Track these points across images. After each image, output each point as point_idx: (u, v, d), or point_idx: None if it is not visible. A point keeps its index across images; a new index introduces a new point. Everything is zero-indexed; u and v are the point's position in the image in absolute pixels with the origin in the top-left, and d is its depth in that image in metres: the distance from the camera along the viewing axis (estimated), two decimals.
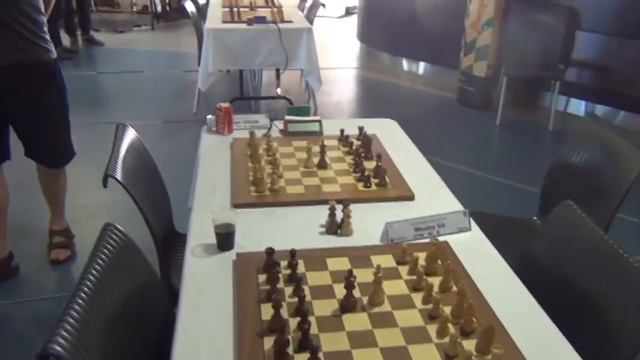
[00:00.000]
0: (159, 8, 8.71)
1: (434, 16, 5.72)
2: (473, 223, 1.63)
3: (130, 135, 1.94)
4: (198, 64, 4.49)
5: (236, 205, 1.69)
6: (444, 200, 1.79)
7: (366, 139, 2.06)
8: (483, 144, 4.62)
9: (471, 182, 3.78)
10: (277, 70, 4.78)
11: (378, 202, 1.75)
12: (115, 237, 1.30)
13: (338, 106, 5.22)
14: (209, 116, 2.29)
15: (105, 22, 8.61)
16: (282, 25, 4.29)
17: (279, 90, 4.95)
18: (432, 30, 5.75)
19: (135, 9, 9.44)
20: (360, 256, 1.46)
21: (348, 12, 9.43)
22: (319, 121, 2.27)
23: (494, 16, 4.87)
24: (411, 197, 1.77)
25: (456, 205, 1.75)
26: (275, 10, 4.72)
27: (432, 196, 1.81)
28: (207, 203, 1.73)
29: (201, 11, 5.24)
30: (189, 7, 4.84)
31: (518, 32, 4.76)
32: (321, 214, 1.60)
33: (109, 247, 1.27)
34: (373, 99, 5.66)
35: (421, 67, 6.16)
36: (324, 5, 5.00)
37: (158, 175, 2.02)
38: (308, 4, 5.47)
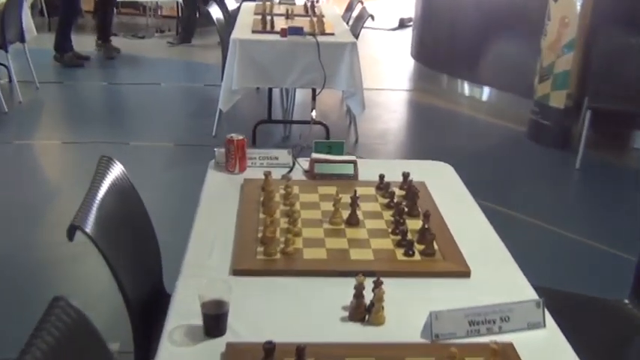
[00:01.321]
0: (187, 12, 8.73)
1: (504, 33, 5.53)
2: (547, 316, 1.40)
3: (115, 172, 1.78)
4: (222, 80, 4.41)
5: (236, 272, 1.52)
6: (509, 279, 1.57)
7: (411, 191, 1.85)
8: (559, 191, 4.35)
9: (543, 240, 3.52)
10: (313, 91, 4.65)
11: (421, 277, 1.55)
12: (65, 316, 1.13)
13: (383, 136, 5.06)
14: (217, 149, 2.13)
15: (125, 26, 8.70)
16: (321, 38, 4.19)
17: (314, 114, 4.79)
18: (501, 49, 5.56)
19: (160, 13, 9.55)
20: (393, 357, 1.24)
21: (402, 24, 9.29)
22: (354, 162, 2.08)
23: (577, 37, 4.63)
24: (466, 274, 1.56)
25: (525, 288, 1.52)
26: (315, 19, 4.61)
27: (494, 272, 1.59)
28: (200, 266, 1.56)
29: (231, 18, 5.17)
30: (215, 14, 4.78)
31: (608, 57, 4.53)
32: (346, 290, 1.40)
33: (55, 328, 1.10)
34: (426, 128, 5.48)
35: (485, 92, 5.96)
36: (372, 17, 4.87)
37: (147, 222, 1.86)
38: (354, 14, 5.35)
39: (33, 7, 7.51)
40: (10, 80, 5.35)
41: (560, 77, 4.74)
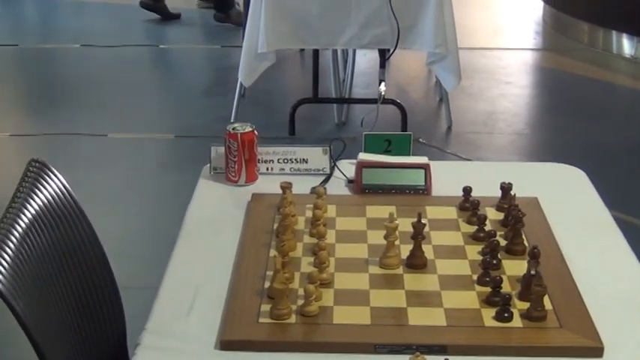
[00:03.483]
0: None
1: None
2: None
3: (52, 187, 1.78)
4: (242, 39, 4.48)
5: (225, 344, 1.49)
6: None
7: (512, 213, 1.78)
8: None
9: None
10: (382, 54, 4.63)
11: (521, 356, 1.49)
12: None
13: (490, 122, 5.03)
14: (214, 147, 2.11)
15: None
16: None
17: (383, 88, 4.77)
18: None
19: None
20: None
21: None
22: (425, 167, 2.03)
23: None
24: (595, 351, 1.49)
25: None
26: None
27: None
28: (171, 334, 1.54)
29: None
30: None
31: None
32: None
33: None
34: (560, 110, 5.38)
35: None
36: None
37: (105, 269, 1.87)
38: None
39: None
40: None
41: None
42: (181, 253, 1.82)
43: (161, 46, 6.30)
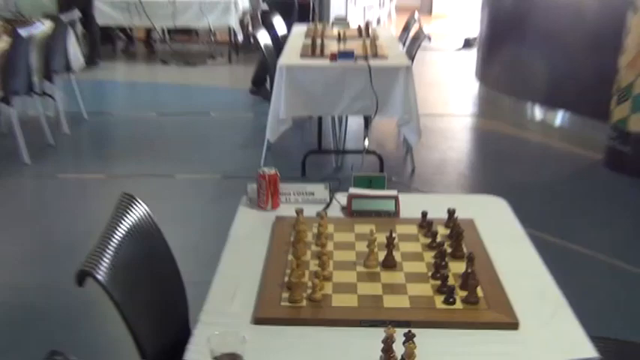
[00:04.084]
0: (239, 37, 8.89)
1: (576, 51, 5.39)
2: None
3: (138, 212, 1.77)
4: (269, 108, 4.44)
5: (258, 320, 1.48)
6: (564, 330, 1.46)
7: (455, 229, 1.77)
8: (638, 226, 4.13)
9: (616, 281, 3.33)
10: (366, 119, 4.64)
11: (462, 329, 1.46)
12: None
13: (441, 166, 4.98)
14: (250, 184, 2.11)
15: (177, 53, 8.91)
16: (373, 62, 4.17)
17: (367, 143, 4.78)
18: (573, 69, 5.42)
19: (214, 39, 9.75)
20: None
21: (468, 44, 9.21)
22: (395, 198, 2.02)
23: None
24: (513, 325, 1.47)
25: (583, 342, 1.41)
26: (368, 42, 4.59)
27: (547, 323, 1.49)
28: (221, 313, 1.53)
29: (280, 43, 5.23)
30: (263, 39, 4.82)
31: None
32: (377, 343, 1.33)
33: None
34: (490, 158, 5.37)
35: (558, 116, 5.80)
36: (429, 38, 4.82)
37: (171, 267, 1.83)
38: (411, 34, 5.31)
39: (84, 36, 7.78)
40: (57, 112, 5.50)
41: None
42: (227, 257, 1.79)
43: (212, 114, 6.28)
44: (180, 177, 4.62)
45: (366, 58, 4.22)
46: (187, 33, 9.67)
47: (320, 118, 4.72)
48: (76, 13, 5.95)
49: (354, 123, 5.36)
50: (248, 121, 6.06)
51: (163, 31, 9.27)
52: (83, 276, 1.43)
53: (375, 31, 5.23)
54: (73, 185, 4.71)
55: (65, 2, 7.79)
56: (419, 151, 4.83)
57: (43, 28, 5.13)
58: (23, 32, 4.63)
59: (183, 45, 9.55)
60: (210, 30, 9.41)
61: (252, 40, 9.01)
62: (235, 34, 8.76)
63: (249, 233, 1.94)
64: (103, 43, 8.85)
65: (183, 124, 6.04)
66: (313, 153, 4.61)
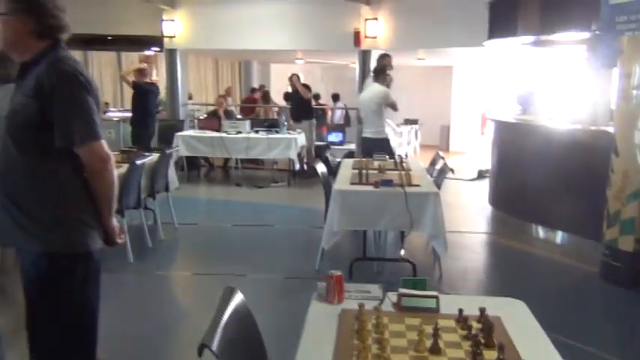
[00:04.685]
0: (296, 167, 9.24)
1: (573, 182, 5.46)
2: None
3: (237, 300, 1.87)
4: (324, 222, 4.55)
5: None
6: None
7: (486, 324, 1.82)
8: (631, 329, 4.03)
9: None
10: (402, 233, 4.71)
11: None
12: None
13: (464, 274, 4.95)
14: (319, 283, 2.20)
15: (247, 178, 9.28)
16: (408, 189, 4.28)
17: (402, 252, 4.82)
18: (571, 197, 5.46)
19: (276, 167, 10.16)
20: None
21: (481, 175, 9.36)
22: (436, 297, 2.08)
23: None
24: None
25: None
26: (403, 173, 4.76)
27: None
28: None
29: (333, 171, 5.43)
30: (320, 169, 5.04)
31: None
32: None
33: None
34: (503, 268, 5.33)
35: (559, 236, 5.77)
36: (452, 171, 4.97)
37: (262, 346, 1.90)
38: (437, 167, 5.47)
39: (176, 163, 8.17)
40: (155, 222, 5.75)
41: (627, 224, 4.56)
42: (305, 342, 1.83)
43: (275, 226, 6.41)
44: (251, 276, 4.68)
45: (402, 185, 4.35)
46: (255, 162, 10.09)
47: (365, 231, 4.78)
48: (175, 147, 6.31)
49: (392, 234, 5.41)
50: (304, 233, 6.14)
51: (237, 160, 9.71)
52: (202, 348, 1.52)
53: (407, 164, 5.41)
54: (167, 280, 4.83)
55: (164, 139, 8.37)
56: (445, 260, 4.82)
57: (152, 157, 5.47)
58: (138, 161, 4.94)
59: (253, 171, 9.94)
60: (274, 160, 9.84)
61: (305, 168, 9.39)
62: (294, 164, 9.11)
63: (322, 322, 1.98)
64: (190, 168, 9.28)
65: (252, 233, 6.16)
66: (359, 260, 4.63)
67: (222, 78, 16.50)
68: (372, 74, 6.45)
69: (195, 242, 5.97)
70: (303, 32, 9.60)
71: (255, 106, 12.49)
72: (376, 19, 9.20)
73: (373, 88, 6.25)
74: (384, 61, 6.56)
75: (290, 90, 9.73)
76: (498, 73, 13.41)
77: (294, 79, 9.35)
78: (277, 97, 14.00)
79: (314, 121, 9.60)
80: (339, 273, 2.15)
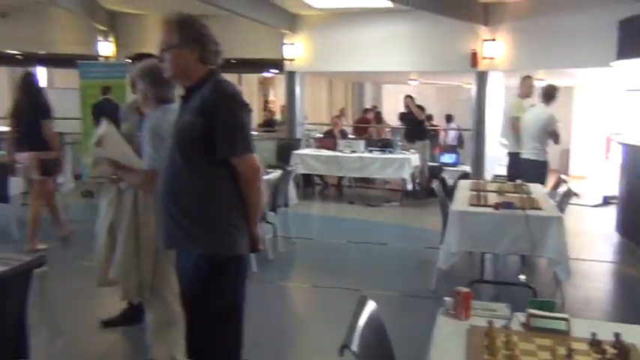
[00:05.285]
0: (409, 187, 9.27)
1: None
2: None
3: (370, 308, 2.00)
4: (441, 243, 4.56)
5: None
6: None
7: (622, 349, 1.80)
8: None
9: None
10: (522, 256, 4.60)
11: None
12: None
13: (587, 303, 4.74)
14: (447, 298, 2.27)
15: (360, 196, 9.46)
16: (530, 212, 4.20)
17: (522, 277, 4.71)
18: None
19: (387, 186, 10.26)
20: None
21: (607, 201, 8.85)
22: (566, 320, 2.08)
23: None
24: None
25: None
26: (524, 196, 4.68)
27: None
28: None
29: (449, 193, 5.43)
30: (438, 189, 5.07)
31: None
32: None
33: None
34: (632, 299, 5.02)
35: None
36: (577, 195, 4.80)
37: (392, 353, 2.01)
38: (559, 191, 5.30)
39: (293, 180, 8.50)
40: (275, 235, 6.03)
41: None
42: (434, 354, 1.89)
43: (388, 244, 6.44)
44: (368, 292, 4.72)
45: (523, 208, 4.28)
46: (367, 181, 10.25)
47: (483, 254, 4.72)
48: (294, 164, 6.60)
49: (509, 259, 5.29)
50: (418, 252, 6.13)
51: (350, 179, 9.93)
52: (343, 348, 1.65)
53: (527, 187, 5.28)
54: (286, 290, 5.06)
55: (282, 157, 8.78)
56: (566, 287, 4.64)
57: (275, 173, 5.79)
58: (265, 177, 5.24)
59: (365, 190, 10.11)
60: (386, 180, 9.95)
61: (417, 188, 9.40)
62: (406, 184, 9.15)
63: (449, 337, 2.04)
64: (305, 186, 9.61)
65: (366, 250, 6.26)
66: (477, 282, 4.56)
67: (335, 99, 16.92)
68: (540, 96, 6.37)
69: (312, 256, 6.14)
70: (419, 53, 9.67)
71: (368, 126, 12.69)
72: (494, 39, 9.08)
73: (540, 110, 6.19)
74: (531, 82, 6.63)
75: (404, 111, 9.82)
76: (626, 94, 12.65)
77: (407, 100, 9.45)
78: (389, 118, 14.12)
79: (427, 141, 9.62)
80: (466, 290, 2.20)
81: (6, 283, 2.36)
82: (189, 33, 2.32)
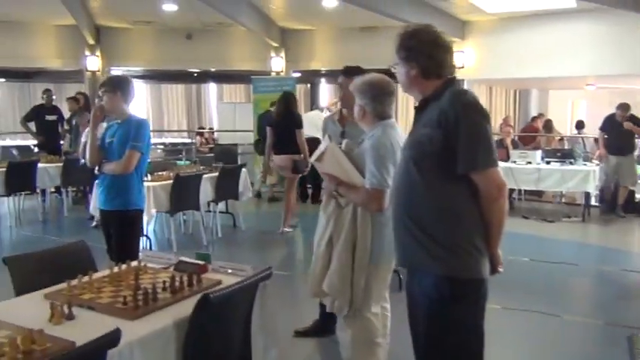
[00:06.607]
0: (592, 201, 8.50)
1: None
2: None
3: None
4: None
5: None
6: None
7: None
8: None
9: None
10: None
11: None
12: None
13: None
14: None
15: (534, 210, 8.86)
16: None
17: None
18: None
19: (563, 200, 9.52)
20: None
21: None
22: None
23: None
24: None
25: None
26: None
27: None
28: None
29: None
30: None
31: None
32: None
33: None
34: None
35: None
36: None
37: None
38: None
39: None
40: None
41: None
42: None
43: (578, 265, 5.90)
44: (567, 318, 4.35)
45: None
46: (538, 194, 9.58)
47: None
48: None
49: None
50: (616, 275, 5.55)
51: (519, 191, 9.34)
52: None
53: None
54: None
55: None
56: None
57: None
58: None
59: (538, 204, 9.46)
60: (561, 193, 9.23)
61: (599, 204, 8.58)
62: (588, 197, 8.39)
63: None
64: None
65: (554, 270, 5.76)
66: None
67: (495, 106, 16.19)
68: None
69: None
70: (601, 55, 8.90)
71: (536, 135, 11.92)
72: None
73: None
74: None
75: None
76: None
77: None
78: (559, 126, 13.17)
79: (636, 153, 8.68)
80: None
81: (237, 295, 2.42)
82: (413, 46, 2.24)
